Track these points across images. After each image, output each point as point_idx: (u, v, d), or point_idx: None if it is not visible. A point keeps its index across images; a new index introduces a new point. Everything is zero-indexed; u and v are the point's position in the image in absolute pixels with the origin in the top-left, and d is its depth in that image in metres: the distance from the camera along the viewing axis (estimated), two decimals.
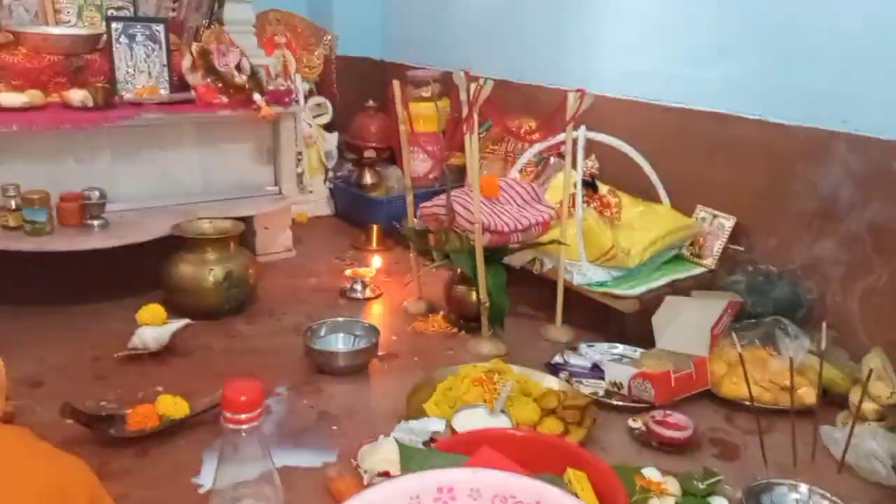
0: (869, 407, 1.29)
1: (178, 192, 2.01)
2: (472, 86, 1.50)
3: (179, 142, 2.01)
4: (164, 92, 1.98)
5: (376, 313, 1.86)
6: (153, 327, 1.52)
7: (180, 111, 1.95)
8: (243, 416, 0.81)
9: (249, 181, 2.11)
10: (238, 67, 1.99)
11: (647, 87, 1.95)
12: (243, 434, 0.82)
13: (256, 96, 1.98)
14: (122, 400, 1.36)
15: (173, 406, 1.28)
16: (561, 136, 1.72)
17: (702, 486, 1.11)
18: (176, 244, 1.76)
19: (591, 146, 1.90)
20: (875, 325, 1.52)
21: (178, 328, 1.54)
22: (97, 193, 1.78)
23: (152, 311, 1.53)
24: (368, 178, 2.44)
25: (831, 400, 1.39)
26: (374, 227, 2.32)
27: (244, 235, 1.96)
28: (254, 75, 2.00)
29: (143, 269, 1.79)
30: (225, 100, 1.97)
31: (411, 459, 0.99)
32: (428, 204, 1.73)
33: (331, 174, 2.60)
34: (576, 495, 0.96)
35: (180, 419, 1.27)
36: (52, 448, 0.84)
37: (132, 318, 1.54)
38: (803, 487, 1.13)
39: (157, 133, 1.97)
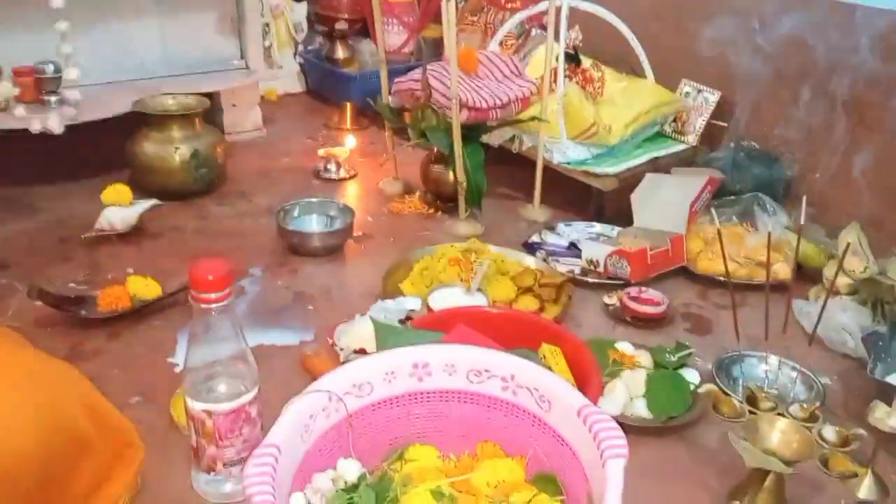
0: (841, 281, 1.30)
1: (139, 66, 1.90)
2: None
3: (138, 11, 1.88)
4: None
5: (351, 194, 1.82)
6: (120, 208, 1.48)
7: None
8: (212, 296, 0.80)
9: (214, 55, 2.00)
10: None
11: None
12: (213, 313, 0.81)
13: None
14: (92, 281, 1.34)
15: (145, 287, 1.26)
16: (544, 5, 1.63)
17: (673, 359, 1.13)
18: (139, 122, 1.68)
19: (574, 16, 1.81)
20: (853, 201, 1.52)
21: (145, 208, 1.50)
22: (52, 67, 1.68)
23: (118, 191, 1.48)
24: (340, 52, 2.33)
25: (806, 275, 1.40)
26: (348, 105, 2.24)
27: (211, 113, 1.88)
28: None
29: (106, 148, 1.72)
30: None
31: (387, 337, 0.98)
32: (402, 79, 1.65)
33: (300, 48, 2.47)
34: (550, 369, 0.97)
35: (152, 300, 1.25)
36: (41, 354, 0.81)
37: (98, 198, 1.49)
38: (773, 359, 1.16)
39: (113, 2, 1.84)
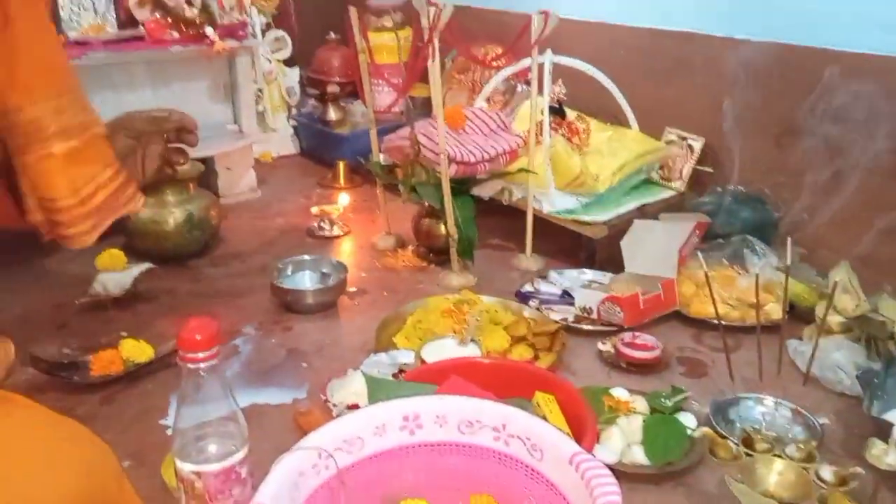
0: (834, 320, 1.30)
1: None
2: (432, 10, 1.44)
3: (131, 82, 1.93)
4: (111, 30, 1.89)
5: (345, 251, 1.84)
6: (114, 273, 1.49)
7: (130, 49, 1.87)
8: (200, 355, 0.79)
9: (207, 120, 2.03)
10: (188, 1, 1.90)
11: (612, 7, 1.89)
12: (202, 373, 0.81)
13: (209, 30, 1.90)
14: (86, 346, 1.33)
15: (137, 350, 1.26)
16: (527, 61, 1.68)
17: (669, 404, 1.13)
18: None
19: (557, 71, 1.85)
20: (841, 240, 1.53)
21: (139, 272, 1.51)
22: None
23: (111, 255, 1.49)
24: (333, 114, 2.38)
25: (798, 315, 1.40)
26: (341, 164, 2.27)
27: (206, 177, 1.92)
28: (205, 8, 1.92)
29: None
30: (176, 35, 1.88)
31: (379, 391, 0.98)
32: (392, 136, 1.68)
33: (294, 111, 2.53)
34: (544, 418, 0.97)
35: (145, 363, 1.25)
36: (76, 424, 0.79)
37: (92, 264, 1.50)
38: (769, 400, 1.15)
39: (106, 73, 1.89)
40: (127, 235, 1.70)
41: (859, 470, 0.92)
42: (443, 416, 0.83)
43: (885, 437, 0.91)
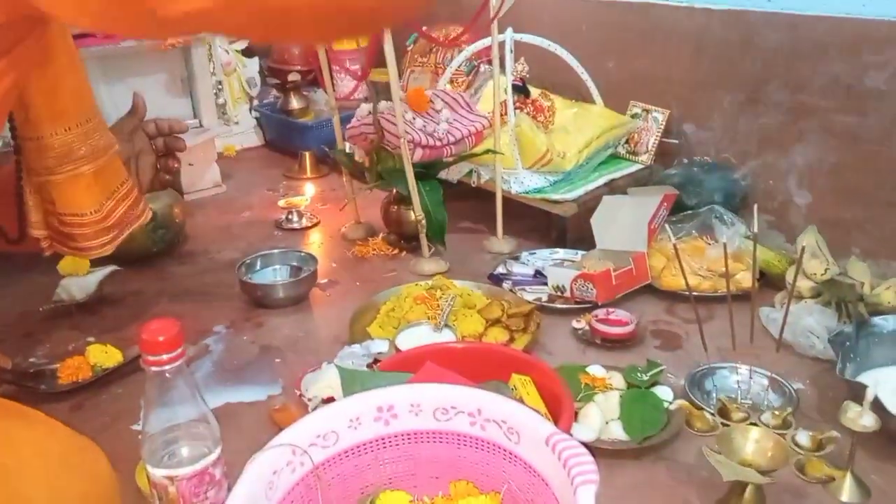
0: (805, 285, 1.31)
1: None
2: None
3: None
4: None
5: (315, 242, 1.81)
6: (77, 277, 1.46)
7: (80, 46, 1.81)
8: (164, 357, 0.78)
9: (166, 116, 1.99)
10: None
11: None
12: (167, 375, 0.79)
13: None
14: (52, 354, 1.31)
15: (104, 355, 1.23)
16: (488, 40, 1.66)
17: (645, 378, 1.13)
18: None
19: (519, 49, 1.84)
20: (809, 205, 1.54)
21: (103, 276, 1.47)
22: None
23: (74, 260, 1.45)
24: (295, 104, 2.34)
25: (769, 282, 1.41)
26: (306, 154, 2.24)
27: None
28: None
29: None
30: None
31: (353, 383, 0.97)
32: (354, 124, 1.66)
33: (255, 102, 2.48)
34: (521, 399, 0.96)
35: (113, 368, 1.22)
36: (84, 437, 0.80)
37: (55, 269, 1.46)
38: (743, 369, 1.16)
39: None
40: None
41: (835, 434, 0.93)
42: (417, 405, 0.82)
43: (859, 400, 0.92)
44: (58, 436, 0.76)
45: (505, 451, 0.79)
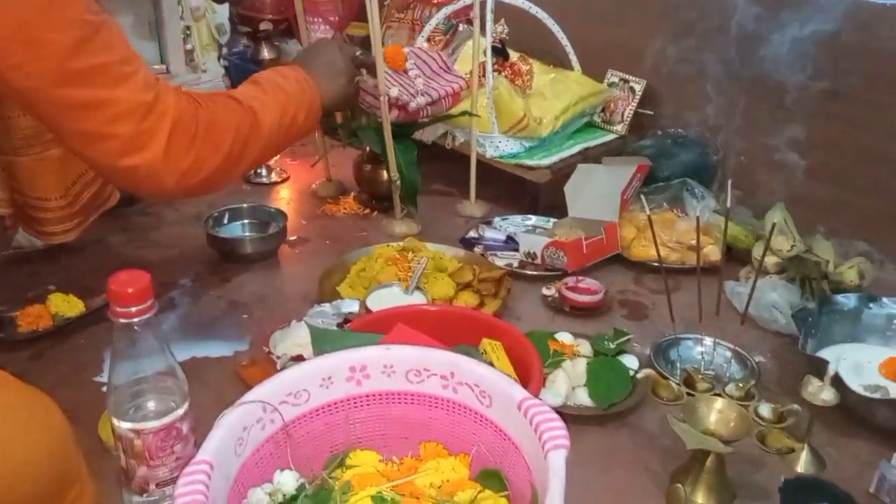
0: (770, 261, 1.33)
1: None
2: None
3: None
4: None
5: (284, 198, 1.78)
6: None
7: None
8: (133, 309, 0.76)
9: None
10: None
11: None
12: (136, 328, 0.78)
13: None
14: (11, 301, 1.27)
15: (66, 304, 1.20)
16: None
17: (612, 346, 1.14)
18: None
19: (500, 10, 1.81)
20: (779, 182, 1.56)
21: None
22: None
23: None
24: (266, 54, 2.26)
25: (736, 257, 1.43)
26: None
27: None
28: None
29: None
30: None
31: (323, 342, 0.96)
32: None
33: (224, 50, 2.41)
34: (491, 364, 0.97)
35: (75, 317, 1.20)
36: (37, 390, 0.76)
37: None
38: (708, 340, 1.18)
39: None
40: None
41: (796, 407, 0.95)
42: (390, 366, 0.82)
43: (819, 375, 0.94)
44: (9, 388, 0.73)
45: (476, 413, 0.79)
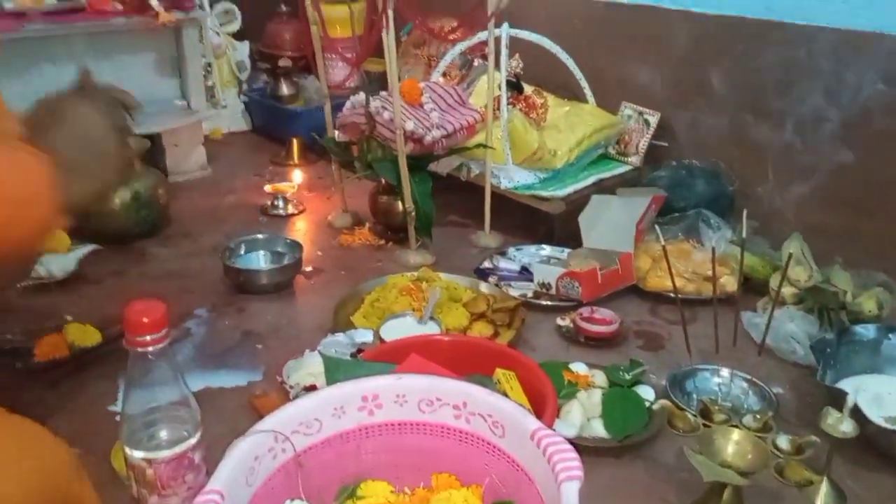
0: (788, 291, 1.32)
1: None
2: None
3: (71, 55, 1.85)
4: (50, 0, 1.80)
5: (300, 229, 1.80)
6: (57, 255, 1.44)
7: (69, 21, 1.78)
8: (148, 338, 0.76)
9: (153, 96, 1.97)
10: None
11: None
12: (150, 357, 0.78)
13: (153, 1, 1.82)
14: (29, 331, 1.28)
15: (83, 334, 1.21)
16: (484, 34, 1.65)
17: (627, 377, 1.13)
18: None
19: (514, 45, 1.83)
20: (794, 213, 1.55)
21: (84, 254, 1.46)
22: None
23: (55, 237, 1.43)
24: (285, 89, 2.32)
25: (753, 287, 1.42)
26: (294, 141, 2.22)
27: (153, 154, 1.86)
28: None
29: None
30: (119, 7, 1.81)
31: (336, 371, 0.96)
32: (346, 112, 1.64)
33: (245, 86, 2.46)
34: (505, 394, 0.96)
35: (92, 347, 1.21)
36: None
37: None
38: (725, 371, 1.16)
39: (45, 46, 1.80)
40: (71, 216, 1.64)
41: (814, 438, 0.93)
42: (402, 396, 0.81)
43: (838, 406, 0.92)
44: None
45: (489, 444, 0.78)
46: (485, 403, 0.79)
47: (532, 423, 0.74)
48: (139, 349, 0.76)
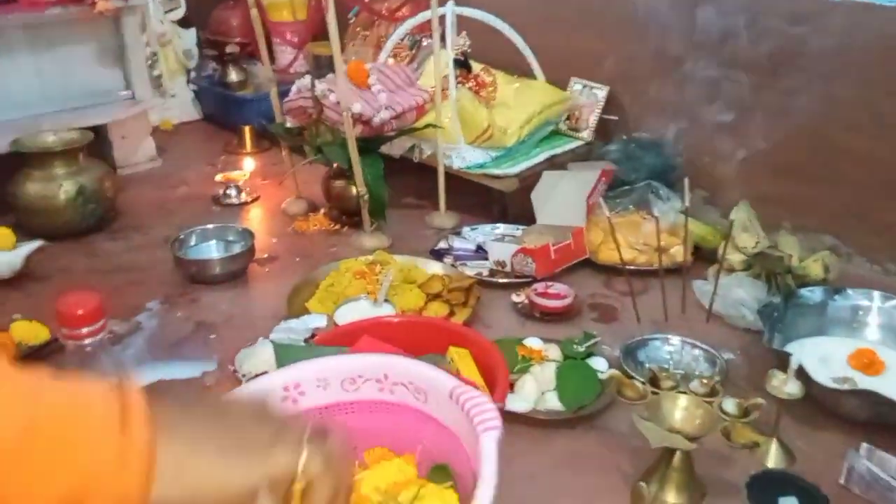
0: (736, 258, 1.34)
1: (16, 105, 1.81)
2: None
3: (9, 49, 1.79)
4: None
5: (254, 217, 1.78)
6: (3, 252, 1.40)
7: (2, 13, 1.73)
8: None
9: (96, 87, 1.93)
10: None
11: None
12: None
13: None
14: None
15: (30, 332, 1.19)
16: (427, 14, 1.64)
17: (581, 349, 1.14)
18: (19, 162, 1.60)
19: (461, 23, 1.82)
20: (744, 181, 1.58)
21: (30, 251, 1.42)
22: None
23: None
24: (234, 76, 2.28)
25: (704, 256, 1.44)
26: (246, 129, 2.19)
27: (100, 147, 1.82)
28: None
29: None
30: None
31: (288, 357, 0.95)
32: (292, 97, 1.62)
33: (193, 75, 2.41)
34: (458, 372, 0.96)
35: (39, 346, 1.18)
36: None
37: None
38: (675, 339, 1.18)
39: None
40: (15, 212, 1.60)
41: (760, 401, 0.95)
42: (324, 379, 0.80)
43: (785, 368, 0.94)
44: None
45: (415, 411, 0.77)
46: (404, 371, 0.77)
47: (449, 381, 0.73)
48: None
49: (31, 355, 1.18)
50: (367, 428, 0.80)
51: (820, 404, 1.05)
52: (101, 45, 1.93)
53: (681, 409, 0.90)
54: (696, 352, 1.17)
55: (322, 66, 2.24)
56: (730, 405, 0.96)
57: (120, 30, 1.93)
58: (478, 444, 0.65)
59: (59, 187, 1.56)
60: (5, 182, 1.60)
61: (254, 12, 1.59)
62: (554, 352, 1.15)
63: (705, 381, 0.98)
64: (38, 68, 1.84)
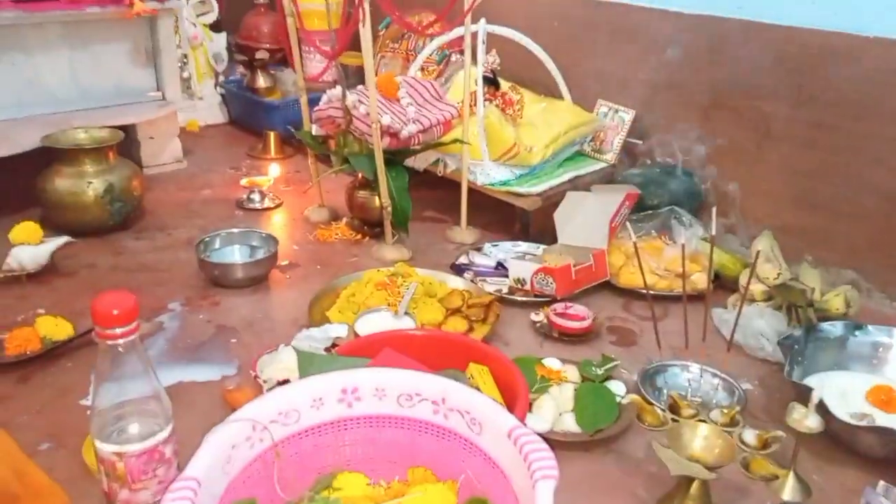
0: (758, 288, 1.34)
1: (49, 100, 1.84)
2: None
3: (45, 44, 1.82)
4: None
5: (276, 223, 1.79)
6: (29, 247, 1.42)
7: (42, 10, 1.76)
8: (118, 331, 0.76)
9: (128, 87, 1.96)
10: None
11: None
12: (120, 350, 0.78)
13: None
14: (1, 324, 1.27)
15: (55, 327, 1.20)
16: (461, 30, 1.66)
17: (599, 372, 1.14)
18: (50, 157, 1.62)
19: (491, 41, 1.84)
20: (765, 211, 1.58)
21: (57, 246, 1.44)
22: None
23: (26, 229, 1.41)
24: (262, 82, 2.31)
25: (724, 285, 1.44)
26: (271, 134, 2.21)
27: (128, 146, 1.84)
28: None
29: (14, 185, 1.65)
30: None
31: (310, 365, 0.96)
32: (323, 106, 1.64)
33: (221, 78, 2.44)
34: (478, 388, 0.97)
35: (64, 341, 1.20)
36: None
37: (6, 237, 1.42)
38: (694, 367, 1.18)
39: (18, 34, 1.78)
40: (43, 207, 1.62)
41: (780, 433, 0.95)
42: (382, 389, 0.81)
43: (805, 402, 0.94)
44: None
45: (465, 440, 0.79)
46: (463, 400, 0.79)
47: (509, 421, 0.74)
48: (109, 342, 0.76)
49: (55, 350, 1.19)
50: (414, 446, 0.81)
51: (838, 440, 1.04)
52: (134, 46, 1.96)
53: (701, 438, 0.91)
54: (716, 381, 1.16)
55: (349, 76, 2.26)
56: (749, 436, 0.96)
57: (154, 31, 1.96)
58: (531, 488, 0.65)
59: (87, 184, 1.58)
60: (34, 176, 1.62)
61: (290, 20, 1.61)
62: (572, 373, 1.15)
63: (725, 410, 0.99)
64: (72, 65, 1.87)
